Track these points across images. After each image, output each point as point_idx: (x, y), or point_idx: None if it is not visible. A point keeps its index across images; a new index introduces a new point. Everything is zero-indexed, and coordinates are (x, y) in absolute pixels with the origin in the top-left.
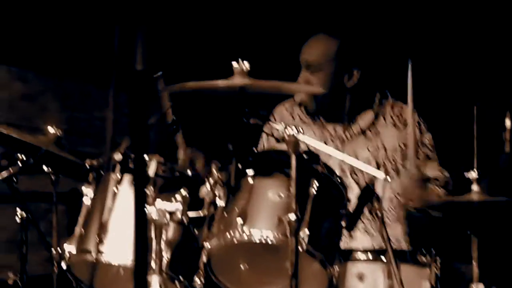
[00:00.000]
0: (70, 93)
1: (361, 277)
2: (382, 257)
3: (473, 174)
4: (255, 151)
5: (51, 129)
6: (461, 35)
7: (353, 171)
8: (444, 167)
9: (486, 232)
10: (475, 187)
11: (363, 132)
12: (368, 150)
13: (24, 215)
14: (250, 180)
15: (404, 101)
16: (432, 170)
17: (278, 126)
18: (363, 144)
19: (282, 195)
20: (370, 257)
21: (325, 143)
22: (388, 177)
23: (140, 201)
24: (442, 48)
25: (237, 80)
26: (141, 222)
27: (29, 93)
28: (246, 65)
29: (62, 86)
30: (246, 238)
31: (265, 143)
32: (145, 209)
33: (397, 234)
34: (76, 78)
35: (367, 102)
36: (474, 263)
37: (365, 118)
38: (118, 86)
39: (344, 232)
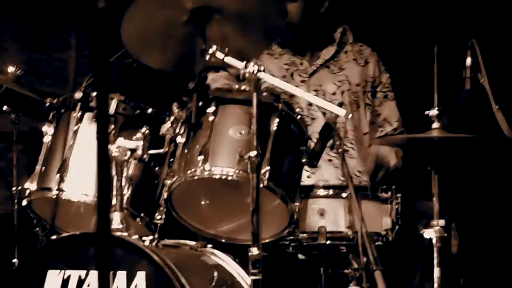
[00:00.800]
0: (29, 35)
1: (322, 213)
2: (343, 193)
3: (433, 112)
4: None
5: (10, 68)
6: None
7: None
8: (405, 105)
9: (447, 169)
10: (435, 125)
11: (326, 65)
12: (334, 84)
13: None
14: (211, 117)
15: (361, 40)
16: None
17: (239, 64)
18: (328, 77)
19: (243, 132)
20: (331, 193)
21: (292, 75)
22: (349, 114)
23: (103, 138)
24: None
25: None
26: (104, 159)
27: None
28: None
29: (21, 28)
30: (207, 174)
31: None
32: (107, 146)
33: (358, 169)
34: (35, 20)
35: (329, 37)
36: (435, 199)
37: (327, 53)
38: (79, 26)
39: (307, 167)
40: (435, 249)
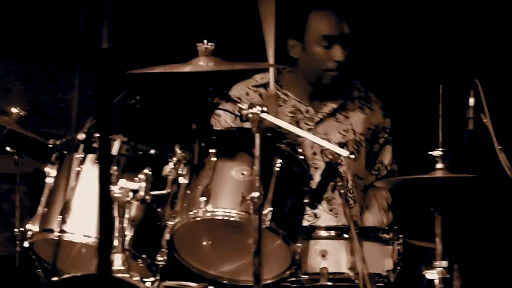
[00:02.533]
0: (33, 76)
1: (323, 255)
2: (345, 235)
3: (437, 152)
4: (219, 129)
5: (14, 109)
6: (427, 16)
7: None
8: (410, 146)
9: (449, 209)
10: (439, 165)
11: (333, 114)
12: (339, 133)
13: None
14: (213, 158)
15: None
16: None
17: (243, 105)
18: (334, 126)
19: (246, 173)
20: (333, 234)
21: (298, 123)
22: (351, 154)
23: (105, 180)
24: (410, 29)
25: (202, 61)
26: (106, 201)
27: None
28: (210, 45)
29: (25, 68)
30: (209, 215)
31: (222, 120)
32: (109, 187)
33: (359, 212)
34: (39, 60)
35: (341, 89)
36: (438, 240)
37: (335, 101)
38: (82, 66)
39: (308, 210)
40: None
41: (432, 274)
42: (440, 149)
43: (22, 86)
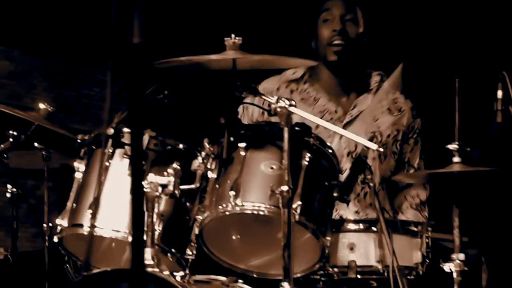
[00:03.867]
0: (57, 72)
1: (352, 248)
2: (373, 228)
3: (454, 146)
4: (247, 123)
5: (42, 105)
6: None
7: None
8: (427, 139)
9: (472, 202)
10: (456, 159)
11: (361, 116)
12: (366, 135)
13: (15, 191)
14: (242, 153)
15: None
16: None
17: (271, 99)
18: (362, 127)
19: (274, 167)
20: (362, 227)
21: None
22: (380, 147)
23: (137, 174)
24: (427, 25)
25: (230, 54)
26: (138, 196)
27: (16, 72)
28: (238, 39)
29: (50, 64)
30: (238, 210)
31: (250, 114)
32: (141, 182)
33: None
34: (64, 56)
35: (364, 82)
36: (455, 233)
37: (364, 102)
38: (114, 61)
39: (337, 202)
40: (455, 283)
41: (450, 267)
42: (457, 143)
43: (47, 82)
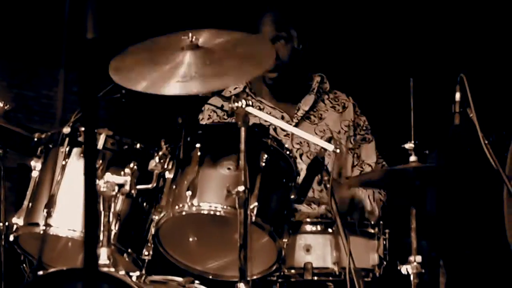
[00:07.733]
0: (17, 72)
1: (308, 249)
2: (330, 229)
3: (410, 145)
4: (204, 124)
5: None
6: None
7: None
8: (383, 139)
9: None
10: (412, 158)
11: (307, 116)
12: (316, 134)
13: None
14: (199, 153)
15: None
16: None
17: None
18: (310, 128)
19: (231, 168)
20: (319, 228)
21: (275, 130)
22: (337, 148)
23: (90, 174)
24: (382, 23)
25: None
26: (91, 195)
27: None
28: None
29: (9, 65)
30: (194, 210)
31: (208, 115)
32: (95, 181)
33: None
34: (23, 57)
35: (305, 85)
36: (413, 235)
37: (307, 103)
38: (68, 59)
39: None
40: (412, 285)
41: (407, 269)
42: (413, 142)
43: (5, 81)
